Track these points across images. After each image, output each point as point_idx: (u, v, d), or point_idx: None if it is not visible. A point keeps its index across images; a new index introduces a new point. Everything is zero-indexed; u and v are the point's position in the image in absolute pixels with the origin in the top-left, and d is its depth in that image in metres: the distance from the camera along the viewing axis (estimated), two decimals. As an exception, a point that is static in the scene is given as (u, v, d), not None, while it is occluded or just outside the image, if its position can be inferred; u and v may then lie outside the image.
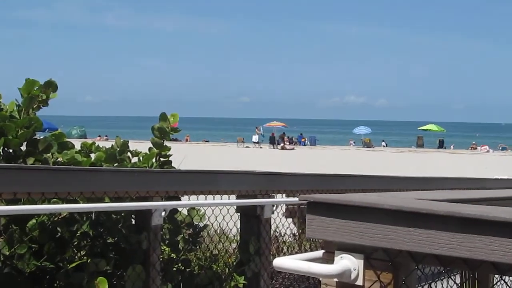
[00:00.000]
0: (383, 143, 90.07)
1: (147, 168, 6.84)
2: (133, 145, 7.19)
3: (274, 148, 77.25)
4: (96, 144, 6.94)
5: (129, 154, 6.98)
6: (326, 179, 8.49)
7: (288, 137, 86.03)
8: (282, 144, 79.53)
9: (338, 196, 2.70)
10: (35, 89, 6.52)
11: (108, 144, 7.07)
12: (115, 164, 6.72)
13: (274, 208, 7.43)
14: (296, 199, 7.69)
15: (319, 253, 2.79)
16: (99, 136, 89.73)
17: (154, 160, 7.10)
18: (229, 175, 7.05)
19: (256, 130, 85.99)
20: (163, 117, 7.25)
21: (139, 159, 7.06)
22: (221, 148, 76.27)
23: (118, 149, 6.92)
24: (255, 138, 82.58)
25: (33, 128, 6.19)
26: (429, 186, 10.60)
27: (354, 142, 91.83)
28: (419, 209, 2.46)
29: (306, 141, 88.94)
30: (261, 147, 77.67)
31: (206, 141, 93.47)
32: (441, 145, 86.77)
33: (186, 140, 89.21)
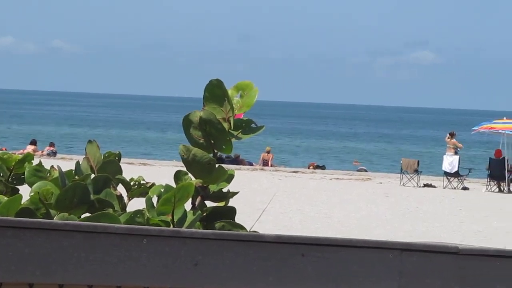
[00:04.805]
0: None
1: (176, 229, 2.81)
2: (128, 168, 3.08)
3: (500, 190, 34.68)
4: (36, 161, 2.99)
5: (119, 188, 3.19)
6: None
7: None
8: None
9: None
10: None
11: (61, 164, 3.11)
12: (83, 216, 2.95)
13: None
14: None
15: None
16: (32, 144, 41.18)
17: (188, 205, 3.00)
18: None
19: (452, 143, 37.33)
20: (214, 89, 2.93)
21: (148, 200, 3.04)
22: (359, 185, 33.71)
23: (92, 175, 2.95)
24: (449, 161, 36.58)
25: None
26: None
27: None
28: None
29: None
30: (459, 187, 34.69)
31: (317, 167, 42.90)
32: None
33: (264, 163, 41.41)
